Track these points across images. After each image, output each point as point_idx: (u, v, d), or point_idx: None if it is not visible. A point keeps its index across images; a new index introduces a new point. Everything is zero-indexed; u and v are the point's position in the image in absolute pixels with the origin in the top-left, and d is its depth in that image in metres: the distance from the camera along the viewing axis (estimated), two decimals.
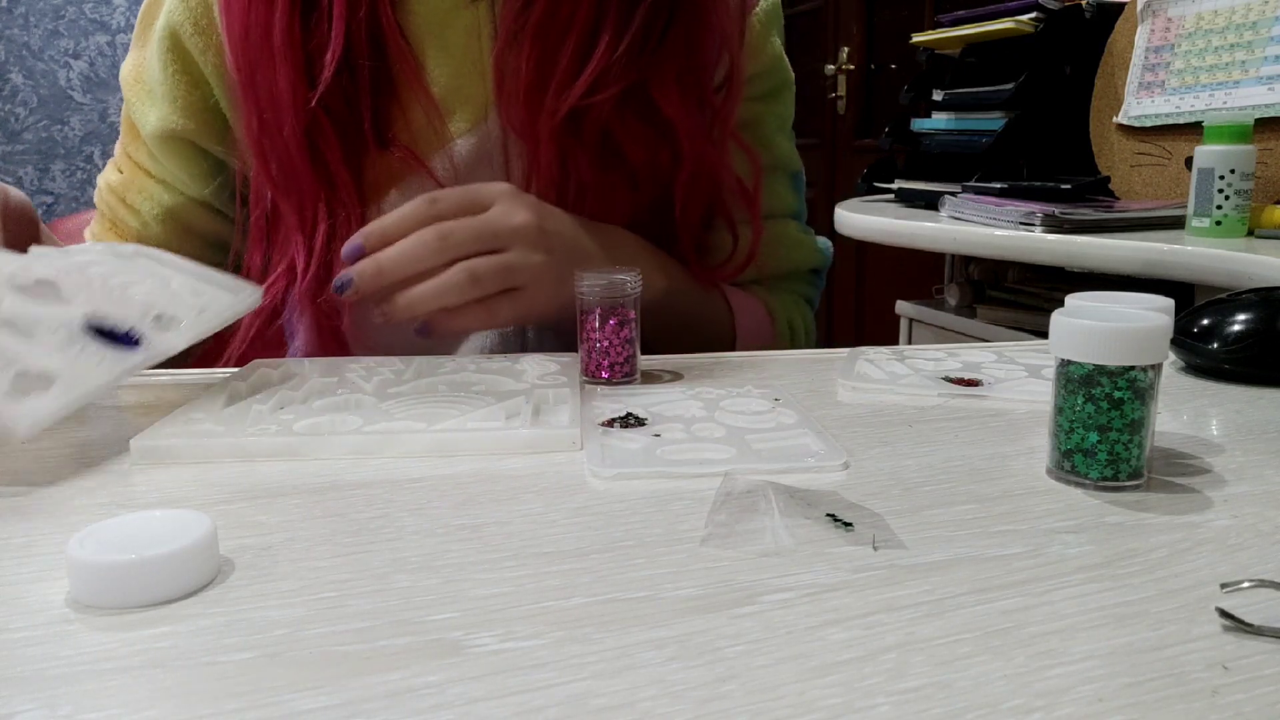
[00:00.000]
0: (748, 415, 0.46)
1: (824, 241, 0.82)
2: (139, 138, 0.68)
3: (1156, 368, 0.36)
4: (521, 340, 0.69)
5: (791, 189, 0.79)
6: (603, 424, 0.45)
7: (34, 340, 0.42)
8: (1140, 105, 1.31)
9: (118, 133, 0.71)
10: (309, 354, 0.66)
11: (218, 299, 0.50)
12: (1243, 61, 1.19)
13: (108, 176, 0.71)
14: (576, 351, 0.55)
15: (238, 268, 0.69)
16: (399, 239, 0.53)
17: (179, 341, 0.46)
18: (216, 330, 0.49)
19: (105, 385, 0.42)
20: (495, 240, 0.55)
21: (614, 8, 0.63)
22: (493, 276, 0.55)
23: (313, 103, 0.60)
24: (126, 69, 0.68)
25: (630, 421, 0.45)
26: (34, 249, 0.49)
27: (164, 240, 0.68)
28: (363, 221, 0.62)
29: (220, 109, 0.66)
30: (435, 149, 0.63)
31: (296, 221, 0.62)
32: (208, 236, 0.70)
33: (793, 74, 0.78)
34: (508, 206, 0.56)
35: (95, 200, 0.74)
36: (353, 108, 0.62)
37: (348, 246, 0.53)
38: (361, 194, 0.63)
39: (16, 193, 0.55)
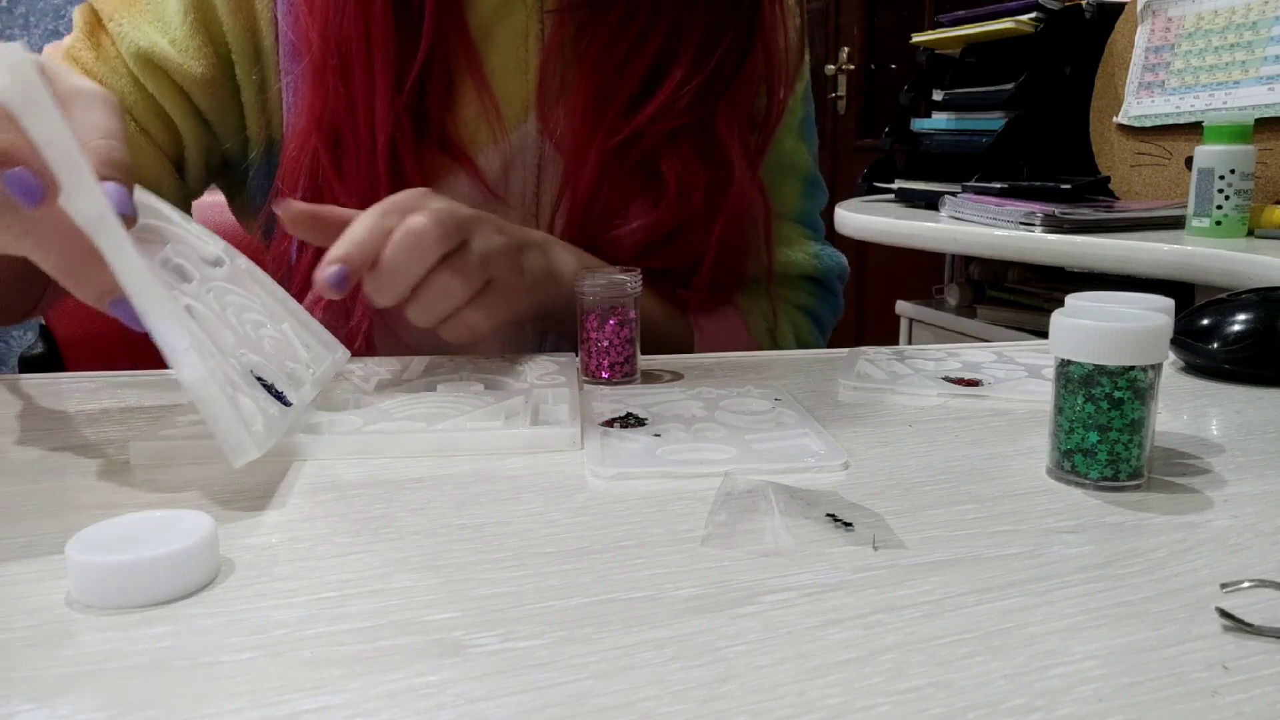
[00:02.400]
0: (748, 415, 0.46)
1: (835, 254, 0.78)
2: (101, 47, 0.62)
3: (1156, 368, 0.36)
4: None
5: (798, 192, 0.76)
6: (603, 424, 0.45)
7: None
8: (1140, 105, 1.31)
9: None
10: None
11: (320, 356, 0.50)
12: (1243, 61, 1.19)
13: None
14: (576, 352, 0.55)
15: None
16: (372, 252, 0.49)
17: (304, 402, 0.44)
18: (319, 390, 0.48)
19: (279, 437, 0.40)
20: (459, 232, 0.51)
21: (691, 44, 0.62)
22: (474, 268, 0.52)
23: (400, 104, 0.59)
24: None
25: (630, 421, 0.45)
26: (165, 236, 0.44)
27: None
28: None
29: (230, 75, 0.63)
30: (481, 148, 0.63)
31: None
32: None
33: (806, 67, 0.75)
34: (444, 204, 0.52)
35: None
36: (424, 106, 0.61)
37: (332, 275, 0.47)
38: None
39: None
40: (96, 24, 0.63)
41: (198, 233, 0.47)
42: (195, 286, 0.43)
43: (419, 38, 0.60)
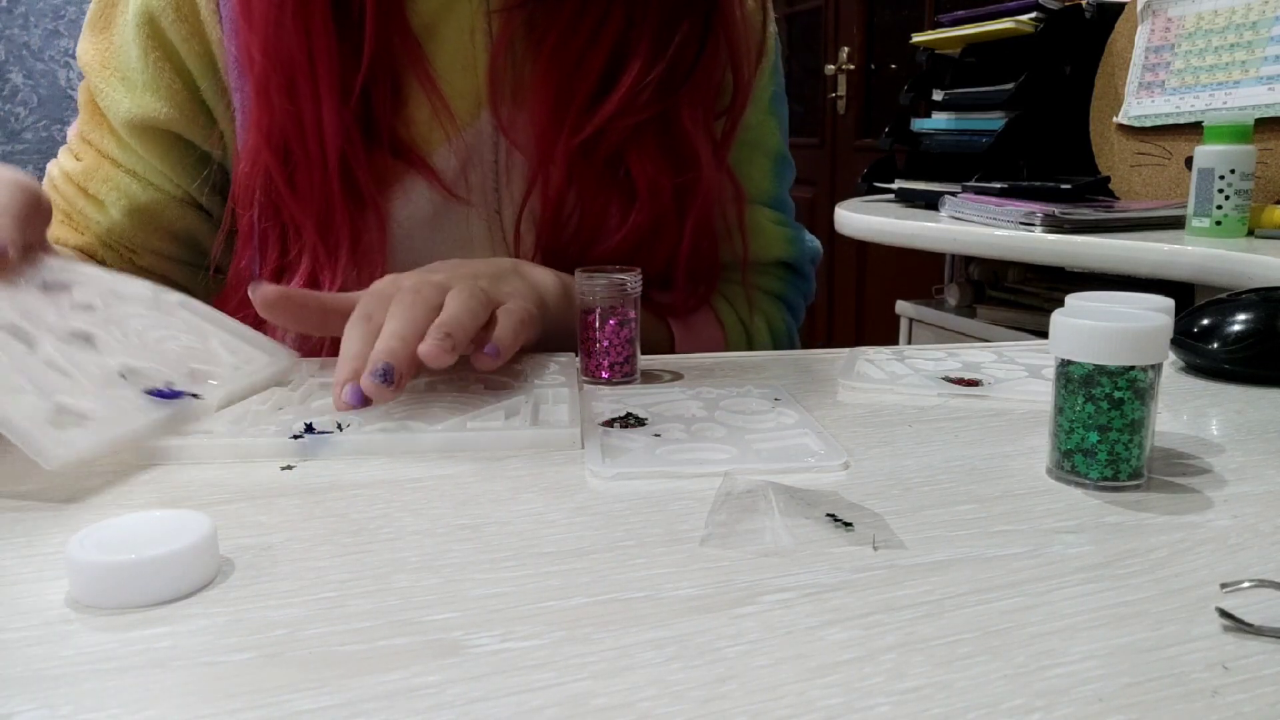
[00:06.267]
0: (747, 415, 0.46)
1: (808, 237, 0.77)
2: (104, 125, 0.65)
3: (1156, 368, 0.36)
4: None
5: (769, 172, 0.74)
6: (603, 424, 0.45)
7: (73, 380, 0.41)
8: (1140, 105, 1.31)
9: None
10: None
11: (254, 358, 0.50)
12: (1243, 61, 1.19)
13: (63, 164, 0.67)
14: (575, 352, 0.55)
15: (217, 269, 0.67)
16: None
17: (213, 399, 0.46)
18: (252, 392, 0.49)
19: (140, 431, 0.41)
20: (440, 289, 0.49)
21: (648, 33, 0.62)
22: (474, 302, 0.49)
23: (350, 114, 0.59)
24: (87, 54, 0.65)
25: (630, 421, 0.45)
26: (76, 283, 0.47)
27: (129, 234, 0.65)
28: (382, 229, 0.61)
29: (203, 100, 0.64)
30: (434, 149, 0.63)
31: (318, 233, 0.60)
32: (177, 231, 0.67)
33: (773, 41, 0.73)
34: (415, 278, 0.51)
35: (45, 189, 0.68)
36: (371, 112, 0.61)
37: (349, 396, 0.44)
38: (375, 198, 0.61)
39: (28, 182, 0.51)
40: (93, 102, 0.65)
41: (124, 280, 0.51)
42: (98, 314, 0.47)
43: (361, 45, 0.59)
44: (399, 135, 0.62)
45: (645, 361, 0.58)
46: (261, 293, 0.49)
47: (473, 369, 0.49)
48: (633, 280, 0.52)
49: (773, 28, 0.73)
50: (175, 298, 0.51)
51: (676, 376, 0.55)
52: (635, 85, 0.62)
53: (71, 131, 0.68)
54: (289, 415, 0.45)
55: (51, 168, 0.68)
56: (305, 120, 0.59)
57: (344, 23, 0.59)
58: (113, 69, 0.64)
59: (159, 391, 0.44)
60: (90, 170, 0.66)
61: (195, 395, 0.45)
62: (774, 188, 0.75)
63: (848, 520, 0.34)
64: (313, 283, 0.61)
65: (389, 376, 0.44)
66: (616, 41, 0.62)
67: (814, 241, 0.78)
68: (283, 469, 0.40)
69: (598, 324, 0.52)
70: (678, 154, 0.64)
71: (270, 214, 0.61)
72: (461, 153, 0.63)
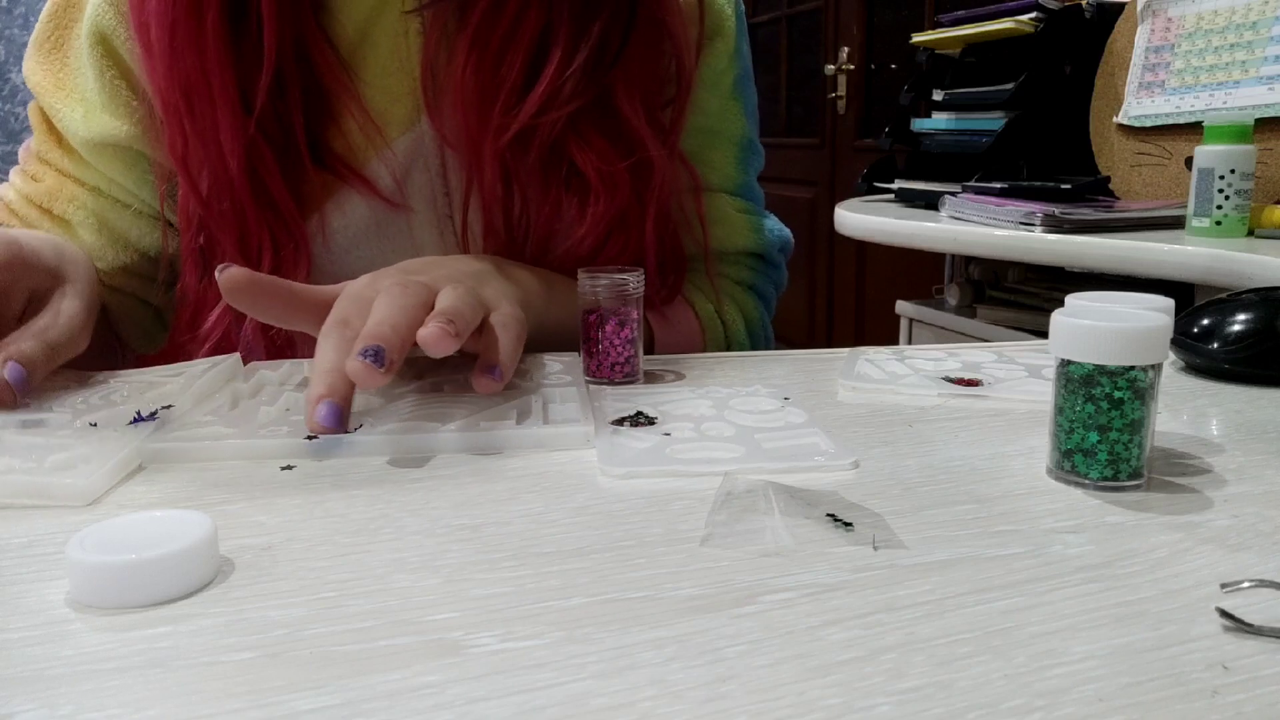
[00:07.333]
0: (757, 414, 0.46)
1: (774, 225, 0.76)
2: (63, 144, 0.64)
3: (1156, 368, 0.36)
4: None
5: (733, 159, 0.72)
6: (612, 422, 0.45)
7: (52, 441, 0.42)
8: (1140, 105, 1.31)
9: None
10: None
11: (195, 366, 0.52)
12: (1243, 61, 1.19)
13: (20, 187, 0.65)
14: (577, 351, 0.55)
15: (170, 285, 0.66)
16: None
17: (185, 404, 0.47)
18: (214, 388, 0.50)
19: (135, 452, 0.41)
20: (427, 288, 0.47)
21: (566, 19, 0.59)
22: (471, 298, 0.47)
23: (251, 128, 0.57)
24: (36, 75, 0.63)
25: (640, 420, 0.45)
26: None
27: (98, 253, 0.64)
28: (306, 244, 0.60)
29: (159, 125, 0.62)
30: (370, 158, 0.61)
31: (238, 250, 0.59)
32: (145, 247, 0.65)
33: (731, 24, 0.70)
34: (395, 276, 0.49)
35: None
36: (286, 126, 0.59)
37: (323, 414, 0.41)
38: (301, 214, 0.60)
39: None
40: (47, 122, 0.64)
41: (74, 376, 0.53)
42: (33, 405, 0.47)
43: (262, 53, 0.57)
44: (331, 147, 0.60)
45: (647, 362, 0.58)
46: (228, 275, 0.46)
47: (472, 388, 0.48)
48: (634, 280, 0.52)
49: (730, 10, 0.71)
50: (101, 376, 0.52)
51: (679, 377, 0.55)
52: (558, 76, 0.59)
53: (24, 152, 0.66)
54: (299, 416, 0.45)
55: (5, 190, 0.66)
56: (208, 139, 0.58)
57: (245, 40, 0.57)
58: (68, 90, 0.62)
59: (137, 418, 0.45)
60: (53, 191, 0.64)
61: (168, 407, 0.46)
62: (739, 175, 0.73)
63: (848, 520, 0.34)
64: None
65: (380, 358, 0.40)
66: (539, 32, 0.60)
67: (783, 230, 0.77)
68: (283, 469, 0.40)
69: (599, 324, 0.52)
70: (624, 143, 0.62)
71: (208, 240, 0.61)
72: (401, 159, 0.62)
